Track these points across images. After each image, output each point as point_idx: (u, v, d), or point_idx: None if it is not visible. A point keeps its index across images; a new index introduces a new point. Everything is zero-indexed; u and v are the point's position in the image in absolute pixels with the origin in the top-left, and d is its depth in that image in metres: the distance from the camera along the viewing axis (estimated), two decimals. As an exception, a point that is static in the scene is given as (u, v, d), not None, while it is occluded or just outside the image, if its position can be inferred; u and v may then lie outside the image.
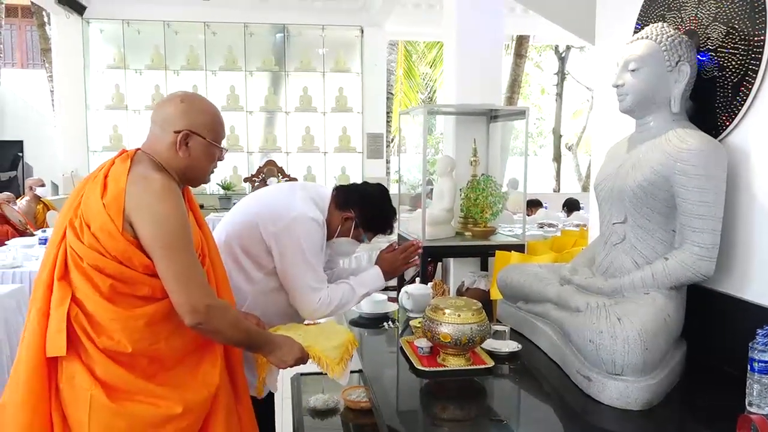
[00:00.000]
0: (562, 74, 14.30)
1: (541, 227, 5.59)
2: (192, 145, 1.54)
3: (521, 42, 10.62)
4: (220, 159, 1.65)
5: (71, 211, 1.48)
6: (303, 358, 1.73)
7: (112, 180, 1.45)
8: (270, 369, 1.85)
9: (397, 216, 2.22)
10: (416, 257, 2.17)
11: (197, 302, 1.43)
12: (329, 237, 2.07)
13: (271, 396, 2.16)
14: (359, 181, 2.32)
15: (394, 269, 2.14)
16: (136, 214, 1.41)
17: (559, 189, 13.12)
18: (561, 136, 14.34)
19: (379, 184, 2.19)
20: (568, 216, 6.67)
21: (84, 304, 1.41)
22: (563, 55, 14.09)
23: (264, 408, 2.10)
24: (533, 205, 7.03)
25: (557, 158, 14.03)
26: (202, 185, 1.74)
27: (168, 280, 1.43)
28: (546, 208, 7.13)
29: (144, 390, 1.42)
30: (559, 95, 14.29)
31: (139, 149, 1.58)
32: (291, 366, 1.70)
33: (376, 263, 2.16)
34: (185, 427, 1.46)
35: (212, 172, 1.67)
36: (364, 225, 2.07)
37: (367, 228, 2.09)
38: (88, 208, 1.44)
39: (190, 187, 1.69)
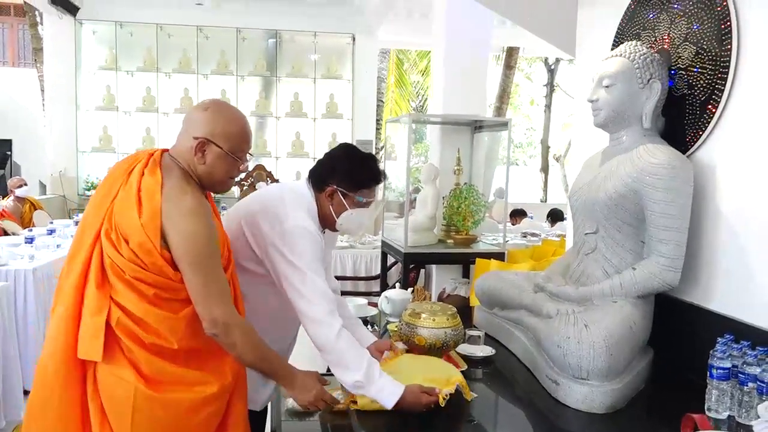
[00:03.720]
0: (551, 86, 14.43)
1: (525, 236, 5.66)
2: (208, 153, 1.57)
3: (511, 53, 10.73)
4: (241, 171, 1.65)
5: (104, 220, 1.52)
6: (320, 402, 1.65)
7: (146, 196, 1.50)
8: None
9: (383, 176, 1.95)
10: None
11: (216, 315, 1.51)
12: (331, 225, 1.90)
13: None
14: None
15: (410, 403, 1.64)
16: (169, 228, 1.49)
17: (546, 199, 13.22)
18: (549, 147, 14.46)
19: (341, 144, 2.02)
20: (552, 226, 6.75)
21: (129, 309, 1.48)
22: (552, 67, 14.23)
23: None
24: (518, 214, 7.11)
25: (545, 169, 14.14)
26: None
27: (192, 292, 1.51)
28: (531, 218, 7.21)
29: (183, 378, 1.51)
30: (548, 107, 14.41)
31: (166, 151, 1.63)
32: (311, 405, 1.65)
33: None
34: (215, 411, 1.55)
35: (234, 182, 1.70)
36: (350, 187, 1.86)
37: (356, 187, 1.86)
38: (125, 223, 1.49)
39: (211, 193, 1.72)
